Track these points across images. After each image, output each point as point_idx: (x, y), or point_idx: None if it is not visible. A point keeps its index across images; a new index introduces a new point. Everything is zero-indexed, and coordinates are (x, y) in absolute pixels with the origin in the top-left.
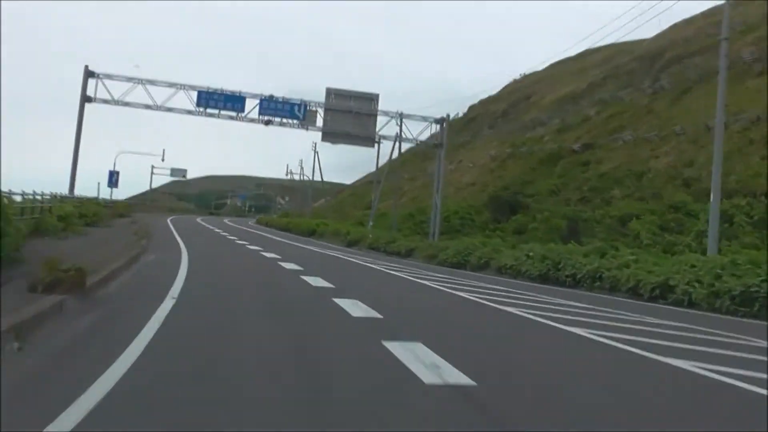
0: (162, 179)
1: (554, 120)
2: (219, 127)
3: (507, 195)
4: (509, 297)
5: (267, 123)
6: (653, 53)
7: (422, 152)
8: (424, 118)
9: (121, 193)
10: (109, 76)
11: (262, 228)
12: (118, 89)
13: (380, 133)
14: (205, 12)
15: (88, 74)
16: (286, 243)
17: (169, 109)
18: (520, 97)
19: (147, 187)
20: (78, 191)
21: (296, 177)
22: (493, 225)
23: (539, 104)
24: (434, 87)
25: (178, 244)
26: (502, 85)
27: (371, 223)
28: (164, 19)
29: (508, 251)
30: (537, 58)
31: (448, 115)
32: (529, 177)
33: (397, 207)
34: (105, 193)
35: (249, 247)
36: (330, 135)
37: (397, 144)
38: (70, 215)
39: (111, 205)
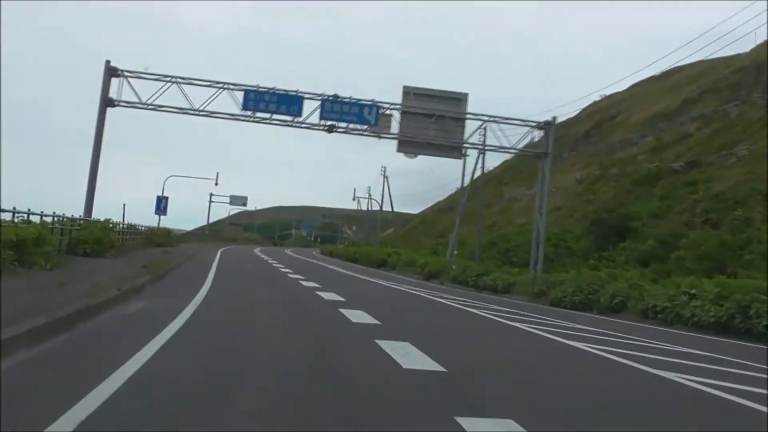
0: (227, 209)
1: (646, 139)
2: (281, 149)
3: (612, 218)
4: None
5: (330, 129)
6: (759, 63)
7: (497, 176)
8: (524, 122)
9: (189, 224)
10: (136, 74)
11: (326, 259)
12: (145, 89)
13: (469, 141)
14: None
15: (111, 72)
16: (352, 277)
17: (210, 113)
18: (604, 117)
19: (214, 218)
20: (133, 219)
21: (363, 206)
22: (597, 253)
23: (626, 124)
24: (503, 111)
25: (205, 280)
26: (575, 109)
27: (454, 252)
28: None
29: (653, 288)
30: (603, 81)
31: (555, 119)
32: (624, 200)
33: (481, 232)
34: (152, 220)
35: (304, 283)
36: (408, 144)
37: (482, 156)
38: (39, 240)
39: (150, 232)
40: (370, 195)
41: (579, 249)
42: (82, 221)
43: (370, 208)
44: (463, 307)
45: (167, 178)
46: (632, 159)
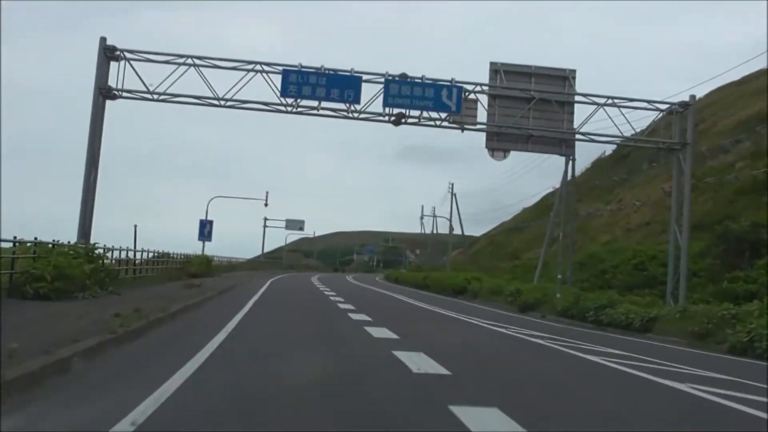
0: (284, 235)
1: (742, 144)
2: (336, 171)
3: (739, 230)
4: None
5: (398, 119)
6: None
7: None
8: (651, 104)
9: (247, 252)
10: (141, 55)
11: (390, 285)
12: (152, 73)
13: (581, 130)
14: None
15: (108, 53)
16: (428, 311)
17: (239, 103)
18: (684, 126)
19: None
20: (175, 248)
21: (428, 229)
22: (729, 272)
23: (712, 131)
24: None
25: (207, 344)
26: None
27: (559, 277)
28: None
29: None
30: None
31: (693, 98)
32: (727, 211)
33: (568, 250)
34: (195, 247)
35: (370, 330)
36: (500, 138)
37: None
38: None
39: (185, 261)
40: (435, 215)
41: (700, 269)
42: (36, 247)
43: (435, 230)
44: (616, 366)
45: (210, 199)
46: (728, 167)
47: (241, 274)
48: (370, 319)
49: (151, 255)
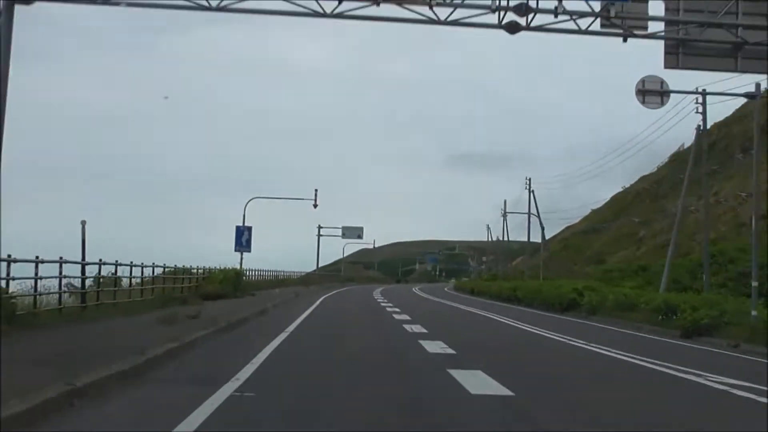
0: (341, 245)
1: None
2: (394, 180)
3: None
4: None
5: (520, 13)
6: None
7: (646, 190)
8: None
9: (306, 265)
10: None
11: (466, 298)
12: None
13: None
14: None
15: None
16: (571, 347)
17: (231, 4)
18: None
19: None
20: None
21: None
22: None
23: None
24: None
25: None
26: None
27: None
28: None
29: None
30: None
31: None
32: None
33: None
34: (230, 260)
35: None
36: (687, 50)
37: None
38: None
39: (202, 278)
40: (505, 212)
41: None
42: None
43: (506, 236)
44: None
45: (249, 201)
46: None
47: (287, 291)
48: (492, 379)
49: (152, 272)
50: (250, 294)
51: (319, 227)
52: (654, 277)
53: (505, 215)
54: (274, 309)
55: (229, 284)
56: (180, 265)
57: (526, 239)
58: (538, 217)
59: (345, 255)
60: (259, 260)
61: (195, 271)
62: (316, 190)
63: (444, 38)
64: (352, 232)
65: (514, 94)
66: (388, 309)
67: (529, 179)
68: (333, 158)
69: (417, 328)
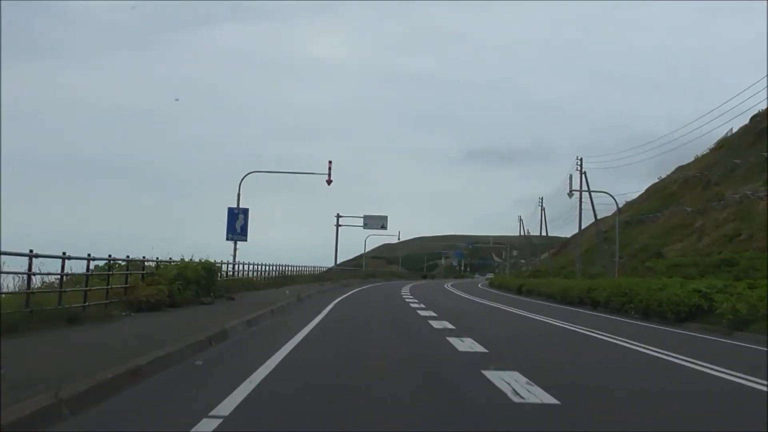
0: (363, 237)
1: None
2: (418, 175)
3: None
4: None
5: None
6: None
7: (704, 178)
8: None
9: (325, 261)
10: None
11: (513, 298)
12: None
13: None
14: None
15: None
16: None
17: None
18: None
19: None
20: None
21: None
22: None
23: None
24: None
25: None
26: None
27: None
28: None
29: None
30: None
31: None
32: None
33: None
34: (223, 252)
35: None
36: None
37: None
38: None
39: (149, 276)
40: (542, 204)
41: None
42: None
43: (543, 226)
44: None
45: (245, 175)
46: None
47: (289, 291)
48: None
49: (62, 266)
50: (228, 298)
51: (338, 216)
52: (746, 274)
53: (542, 207)
54: (246, 329)
55: (189, 284)
56: (130, 257)
57: (558, 234)
58: (592, 204)
59: (367, 250)
60: (270, 256)
61: (154, 263)
62: (330, 162)
63: (465, 33)
64: (375, 222)
65: (534, 87)
66: (410, 304)
67: (581, 159)
68: (353, 152)
69: (509, 376)
